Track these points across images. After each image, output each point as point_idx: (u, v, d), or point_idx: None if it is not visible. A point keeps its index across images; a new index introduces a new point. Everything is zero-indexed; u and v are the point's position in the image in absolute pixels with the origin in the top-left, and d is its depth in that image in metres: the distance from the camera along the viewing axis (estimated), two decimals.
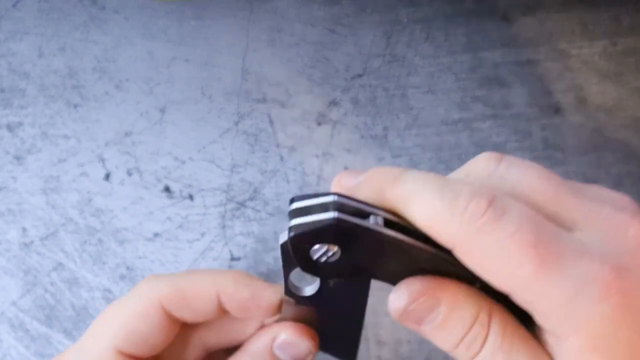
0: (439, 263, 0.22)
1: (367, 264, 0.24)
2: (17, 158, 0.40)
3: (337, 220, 0.21)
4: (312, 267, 0.24)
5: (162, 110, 0.41)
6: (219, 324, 0.29)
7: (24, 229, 0.39)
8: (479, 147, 0.40)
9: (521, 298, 0.20)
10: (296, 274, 0.25)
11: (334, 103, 0.41)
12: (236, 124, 0.41)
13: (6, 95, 0.41)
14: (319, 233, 0.22)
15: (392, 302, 0.23)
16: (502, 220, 0.19)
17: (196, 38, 0.42)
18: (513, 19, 0.42)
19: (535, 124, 0.40)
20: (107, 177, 0.40)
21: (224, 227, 0.39)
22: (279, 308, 0.27)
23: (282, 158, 0.40)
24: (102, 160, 0.40)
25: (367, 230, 0.22)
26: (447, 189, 0.20)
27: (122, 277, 0.38)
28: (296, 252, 0.23)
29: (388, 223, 0.22)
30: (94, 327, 0.27)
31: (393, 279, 0.24)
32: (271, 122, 0.41)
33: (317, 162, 0.40)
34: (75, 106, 0.41)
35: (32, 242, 0.39)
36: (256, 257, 0.39)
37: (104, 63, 0.41)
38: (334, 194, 0.22)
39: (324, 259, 0.23)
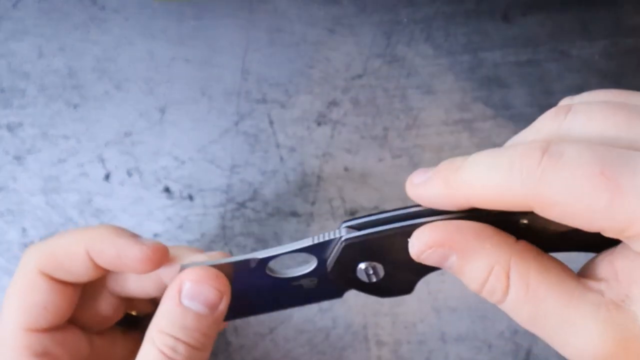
0: None
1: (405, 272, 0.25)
2: (17, 158, 0.40)
3: (345, 244, 0.24)
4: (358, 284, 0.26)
5: (162, 111, 0.41)
6: (122, 278, 0.29)
7: (24, 229, 0.39)
8: (479, 148, 0.39)
9: (613, 231, 0.19)
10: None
11: (334, 103, 0.41)
12: (236, 124, 0.41)
13: (6, 95, 0.41)
14: (342, 259, 0.25)
15: (410, 247, 0.24)
16: (561, 162, 0.19)
17: (196, 38, 0.42)
18: (513, 19, 0.42)
19: None
20: (107, 177, 0.40)
21: (223, 227, 0.39)
22: (152, 263, 0.27)
23: (282, 158, 0.40)
24: (102, 160, 0.40)
25: (377, 233, 0.24)
26: (499, 158, 0.20)
27: None
28: (343, 275, 0.26)
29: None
30: (1, 313, 0.28)
31: None
32: (271, 122, 0.41)
33: (317, 163, 0.40)
34: (75, 106, 0.41)
35: (32, 242, 0.39)
36: None
37: (104, 63, 0.41)
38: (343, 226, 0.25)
39: (371, 278, 0.25)
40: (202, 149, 0.40)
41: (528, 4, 0.42)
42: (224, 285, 0.27)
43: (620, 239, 0.20)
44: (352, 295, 0.39)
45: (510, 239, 0.23)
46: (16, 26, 0.42)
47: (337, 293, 0.28)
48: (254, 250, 0.38)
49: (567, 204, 0.19)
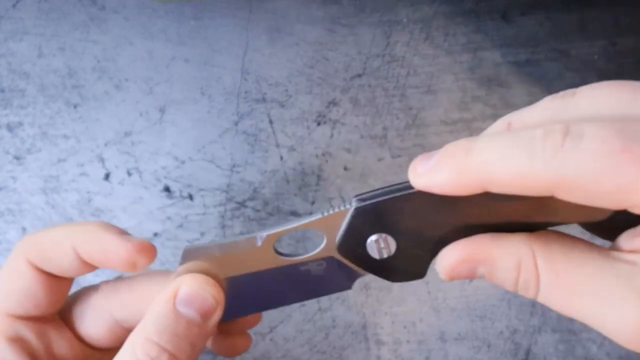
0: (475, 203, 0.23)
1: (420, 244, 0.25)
2: (17, 158, 0.40)
3: (356, 210, 0.24)
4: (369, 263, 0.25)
5: (162, 110, 0.41)
6: (125, 296, 0.29)
7: (24, 229, 0.39)
8: None
9: None
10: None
11: (333, 103, 0.41)
12: (236, 123, 0.41)
13: (6, 95, 0.41)
14: (352, 229, 0.24)
15: (439, 272, 0.24)
16: (583, 142, 0.19)
17: (196, 38, 0.42)
18: (513, 19, 0.42)
19: None
20: (107, 177, 0.40)
21: (223, 227, 0.39)
22: (137, 261, 0.26)
23: (281, 158, 0.40)
24: (102, 160, 0.40)
25: (389, 200, 0.23)
26: (519, 139, 0.20)
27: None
28: (353, 249, 0.25)
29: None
30: None
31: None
32: (271, 122, 0.41)
33: (317, 162, 0.40)
34: (75, 106, 0.41)
35: None
36: None
37: (104, 63, 0.41)
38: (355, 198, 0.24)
39: (382, 253, 0.25)
40: (201, 149, 0.40)
41: (527, 3, 0.42)
42: (221, 295, 0.26)
43: None
44: (352, 295, 0.39)
45: (527, 233, 0.23)
46: (16, 26, 0.42)
47: (347, 280, 0.27)
48: None
49: (592, 183, 0.19)
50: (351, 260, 0.25)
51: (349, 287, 0.27)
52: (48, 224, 0.39)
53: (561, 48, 0.41)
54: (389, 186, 0.24)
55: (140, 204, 0.40)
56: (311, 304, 0.39)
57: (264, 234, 0.26)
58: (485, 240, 0.23)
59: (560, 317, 0.39)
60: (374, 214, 0.24)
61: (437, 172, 0.22)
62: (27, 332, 0.27)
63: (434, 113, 0.40)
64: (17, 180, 0.40)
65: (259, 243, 0.26)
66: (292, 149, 0.40)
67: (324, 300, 0.39)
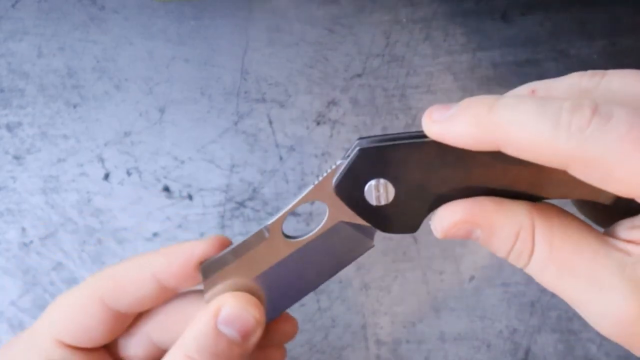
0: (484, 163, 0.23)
1: (419, 192, 0.24)
2: (17, 158, 0.40)
3: (360, 150, 0.23)
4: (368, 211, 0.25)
5: (162, 110, 0.41)
6: (162, 318, 0.29)
7: (24, 229, 0.39)
8: None
9: None
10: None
11: (333, 103, 0.41)
12: (235, 123, 0.41)
13: (6, 95, 0.41)
14: (354, 169, 0.24)
15: (433, 229, 0.23)
16: (611, 124, 0.19)
17: (195, 38, 0.42)
18: (512, 19, 0.42)
19: None
20: (107, 177, 0.40)
21: (223, 227, 0.39)
22: (217, 243, 0.26)
23: (281, 158, 0.40)
24: (102, 160, 0.40)
25: (396, 146, 0.23)
26: (546, 108, 0.20)
27: None
28: (350, 191, 0.24)
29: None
30: (40, 318, 0.28)
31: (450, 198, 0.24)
32: (270, 122, 0.41)
33: (317, 162, 0.40)
34: (75, 106, 0.41)
35: (31, 242, 0.39)
36: None
37: (104, 63, 0.41)
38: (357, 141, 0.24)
39: (380, 200, 0.24)
40: (201, 149, 0.40)
41: (527, 4, 0.42)
42: (262, 314, 0.26)
43: None
44: (352, 295, 0.39)
45: (529, 203, 0.22)
46: (16, 26, 0.42)
47: (365, 237, 0.26)
48: None
49: (610, 166, 0.19)
50: (346, 202, 0.25)
51: (371, 244, 0.26)
52: (47, 224, 0.39)
53: (561, 48, 0.41)
54: (397, 133, 0.23)
55: (139, 204, 0.40)
56: (311, 304, 0.39)
57: (267, 224, 0.26)
58: (488, 204, 0.22)
59: (560, 317, 0.39)
60: (377, 158, 0.23)
61: (455, 122, 0.21)
62: (72, 359, 0.27)
63: None
64: (17, 180, 0.40)
65: (267, 235, 0.26)
66: (291, 149, 0.40)
67: (324, 300, 0.39)
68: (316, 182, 0.25)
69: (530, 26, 0.42)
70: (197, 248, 0.26)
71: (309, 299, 0.39)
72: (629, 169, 0.19)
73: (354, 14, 0.42)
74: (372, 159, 0.24)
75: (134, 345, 0.29)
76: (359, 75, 0.41)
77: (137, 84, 0.41)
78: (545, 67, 0.41)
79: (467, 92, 0.41)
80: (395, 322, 0.39)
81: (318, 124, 0.41)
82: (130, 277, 0.27)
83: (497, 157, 0.22)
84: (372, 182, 0.24)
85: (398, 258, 0.39)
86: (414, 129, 0.41)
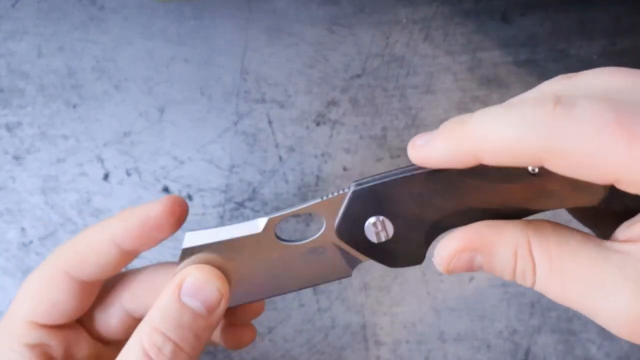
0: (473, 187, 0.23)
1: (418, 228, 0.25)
2: (16, 158, 0.40)
3: (353, 193, 0.24)
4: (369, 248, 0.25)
5: (161, 110, 0.41)
6: (136, 288, 0.29)
7: (23, 229, 0.39)
8: None
9: (628, 181, 0.19)
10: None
11: (332, 103, 0.41)
12: (235, 124, 0.41)
13: (5, 95, 0.41)
14: (350, 212, 0.25)
15: (436, 265, 0.24)
16: (574, 111, 0.19)
17: (195, 38, 0.42)
18: (512, 19, 0.42)
19: None
20: (106, 177, 0.40)
21: None
22: (176, 213, 0.27)
23: (281, 158, 0.40)
24: (101, 160, 0.40)
25: (386, 183, 0.24)
26: (512, 109, 0.20)
27: None
28: (352, 232, 0.25)
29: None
30: (12, 304, 0.28)
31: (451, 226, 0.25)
32: (270, 122, 0.41)
33: (316, 162, 0.40)
34: (74, 106, 0.41)
35: (31, 242, 0.39)
36: None
37: (103, 63, 0.41)
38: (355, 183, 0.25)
39: (380, 237, 0.25)
40: (201, 149, 0.40)
41: (527, 3, 0.42)
42: (226, 288, 0.26)
43: (636, 192, 0.19)
44: (351, 295, 0.39)
45: (523, 221, 0.23)
46: (15, 26, 0.42)
47: (347, 266, 0.27)
48: None
49: (580, 153, 0.19)
50: (350, 244, 0.26)
51: (349, 274, 0.27)
52: (47, 224, 0.39)
53: (561, 48, 0.41)
54: (387, 171, 0.24)
55: (139, 204, 0.40)
56: (310, 304, 0.39)
57: (266, 217, 0.26)
58: (482, 228, 0.23)
59: (560, 317, 0.39)
60: (372, 197, 0.24)
61: (435, 143, 0.22)
62: (48, 339, 0.28)
63: (434, 113, 0.40)
64: (16, 180, 0.40)
65: (261, 228, 0.26)
66: (291, 149, 0.40)
67: (323, 301, 0.39)
68: (322, 199, 0.25)
69: (530, 26, 0.42)
70: (152, 209, 0.27)
71: (309, 299, 0.39)
72: (600, 155, 0.19)
73: (354, 14, 0.42)
74: (366, 198, 0.24)
75: (110, 318, 0.29)
76: (358, 76, 0.41)
77: (137, 84, 0.41)
78: (545, 67, 0.41)
79: (467, 92, 0.41)
80: (395, 323, 0.39)
81: (318, 124, 0.41)
82: (90, 245, 0.27)
83: (485, 177, 0.22)
84: (371, 220, 0.25)
85: None
86: (413, 129, 0.41)
